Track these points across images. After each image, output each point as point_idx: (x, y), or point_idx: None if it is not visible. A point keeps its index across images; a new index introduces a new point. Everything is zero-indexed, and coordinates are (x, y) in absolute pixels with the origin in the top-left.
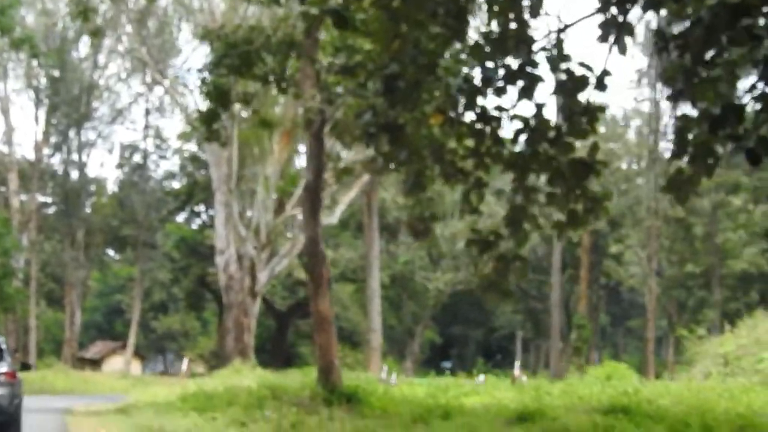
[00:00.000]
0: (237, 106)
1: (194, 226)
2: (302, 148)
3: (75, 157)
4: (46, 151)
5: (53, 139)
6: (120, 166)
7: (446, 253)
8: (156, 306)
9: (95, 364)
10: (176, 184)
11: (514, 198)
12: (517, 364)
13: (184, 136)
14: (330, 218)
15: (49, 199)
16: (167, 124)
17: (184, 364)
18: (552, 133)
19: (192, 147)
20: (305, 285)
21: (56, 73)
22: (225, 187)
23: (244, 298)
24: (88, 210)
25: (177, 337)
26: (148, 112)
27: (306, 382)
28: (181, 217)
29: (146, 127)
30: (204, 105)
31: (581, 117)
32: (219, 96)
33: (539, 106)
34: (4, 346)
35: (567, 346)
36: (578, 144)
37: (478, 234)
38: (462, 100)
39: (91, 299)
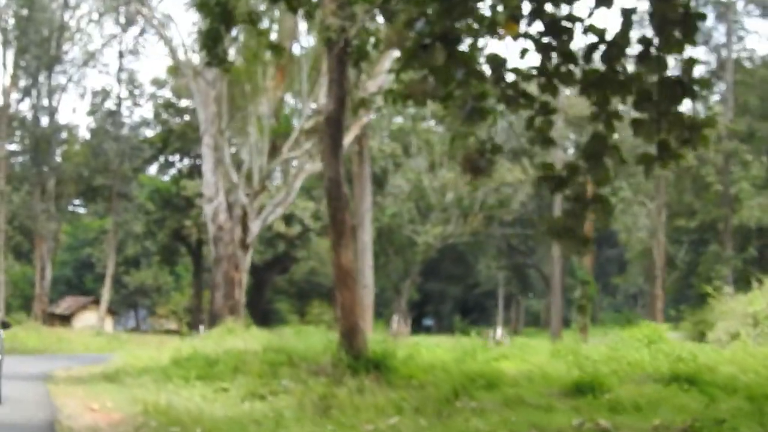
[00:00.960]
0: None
1: (167, 177)
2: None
3: (45, 102)
4: (14, 95)
5: (22, 83)
6: (92, 112)
7: (435, 205)
8: (129, 260)
9: (65, 320)
10: (150, 133)
11: (594, 125)
12: (500, 330)
13: (158, 82)
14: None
15: (17, 147)
16: (142, 68)
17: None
18: (636, 48)
19: (167, 93)
20: (285, 239)
21: (24, 13)
22: (213, 129)
23: (235, 250)
24: (58, 159)
25: (149, 293)
26: (121, 55)
27: (318, 345)
28: (154, 168)
29: (120, 70)
30: (201, 25)
31: (675, 27)
32: (222, 13)
33: (627, 13)
34: None
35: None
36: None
37: (550, 170)
38: (528, 7)
39: (61, 253)
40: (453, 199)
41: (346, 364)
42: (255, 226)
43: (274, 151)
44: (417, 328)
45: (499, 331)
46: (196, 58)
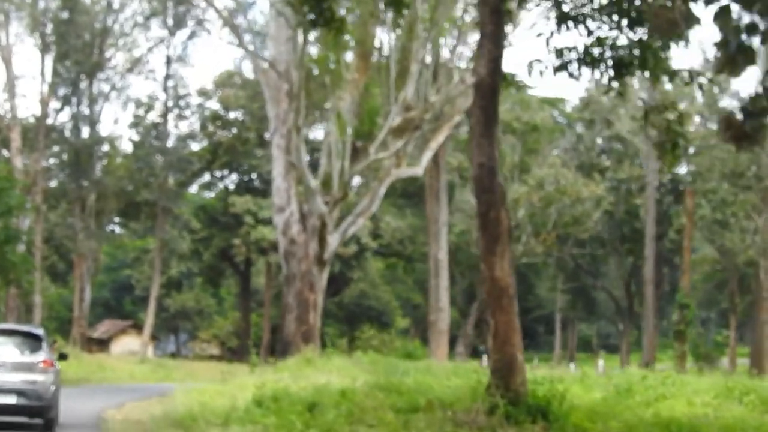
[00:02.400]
0: None
1: (212, 193)
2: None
3: (86, 112)
4: (53, 105)
5: (61, 92)
6: (134, 124)
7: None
8: (171, 282)
9: (103, 344)
10: (195, 147)
11: None
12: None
13: (205, 93)
14: (415, 168)
15: (54, 161)
16: (189, 78)
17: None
18: None
19: (213, 105)
20: (340, 258)
21: (65, 16)
22: (285, 128)
23: (310, 267)
24: (99, 172)
25: (191, 316)
26: (169, 61)
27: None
28: (196, 185)
29: (167, 77)
30: None
31: None
32: None
33: None
34: (41, 333)
35: (626, 329)
36: None
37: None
38: None
39: (98, 275)
40: (524, 215)
41: (503, 412)
42: (333, 240)
43: (355, 152)
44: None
45: (601, 362)
46: (266, 49)
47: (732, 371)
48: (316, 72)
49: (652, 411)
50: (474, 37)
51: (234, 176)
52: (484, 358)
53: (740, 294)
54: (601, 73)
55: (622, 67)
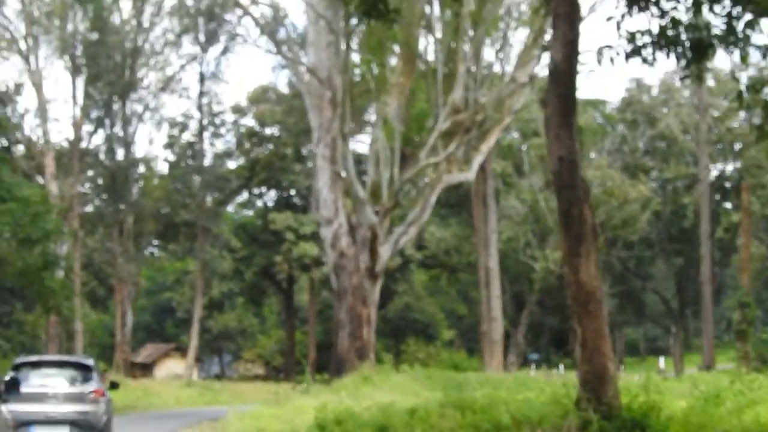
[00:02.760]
0: None
1: (250, 212)
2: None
3: (120, 134)
4: (86, 128)
5: (94, 115)
6: (169, 145)
7: (553, 227)
8: (213, 302)
9: (146, 368)
10: (232, 165)
11: None
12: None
13: (239, 110)
14: (466, 173)
15: (89, 186)
16: (223, 95)
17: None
18: None
19: (249, 122)
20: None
21: (95, 37)
22: (329, 137)
23: (362, 280)
24: (135, 195)
25: (234, 337)
26: (202, 78)
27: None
28: (233, 204)
29: (201, 94)
30: None
31: None
32: None
33: None
34: (92, 363)
35: (679, 330)
36: None
37: None
38: None
39: (139, 298)
40: None
41: (597, 428)
42: (385, 251)
43: (404, 159)
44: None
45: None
46: (306, 55)
47: None
48: (358, 78)
49: (748, 419)
50: (521, 36)
51: (272, 193)
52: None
53: None
54: (678, 57)
55: (701, 49)
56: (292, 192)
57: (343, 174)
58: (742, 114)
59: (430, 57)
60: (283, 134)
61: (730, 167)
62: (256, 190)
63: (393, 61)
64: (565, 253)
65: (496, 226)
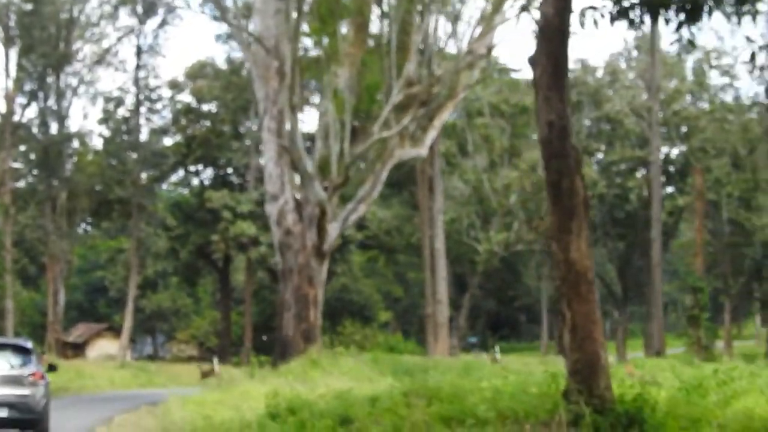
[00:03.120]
0: None
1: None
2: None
3: (53, 107)
4: (19, 101)
5: (27, 87)
6: (104, 120)
7: (497, 209)
8: (147, 282)
9: (78, 348)
10: (168, 142)
11: None
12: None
13: (176, 85)
14: (418, 149)
15: (22, 161)
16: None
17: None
18: None
19: (186, 98)
20: None
21: (28, 7)
22: (276, 109)
23: (308, 259)
24: (69, 171)
25: (168, 317)
26: (139, 51)
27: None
28: (170, 182)
29: (138, 67)
30: None
31: None
32: None
33: None
34: (30, 346)
35: (622, 316)
36: None
37: None
38: None
39: (71, 277)
40: (516, 201)
41: (590, 422)
42: (333, 229)
43: (354, 133)
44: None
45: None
46: (252, 23)
47: (730, 356)
48: (306, 48)
49: (737, 410)
50: (480, 4)
51: (209, 171)
52: (475, 350)
53: (732, 275)
54: (667, 20)
55: (696, 10)
56: (229, 170)
57: (290, 147)
58: (688, 97)
59: (383, 26)
60: (220, 111)
61: (675, 151)
62: (192, 168)
63: (343, 30)
64: (554, 228)
65: (442, 206)
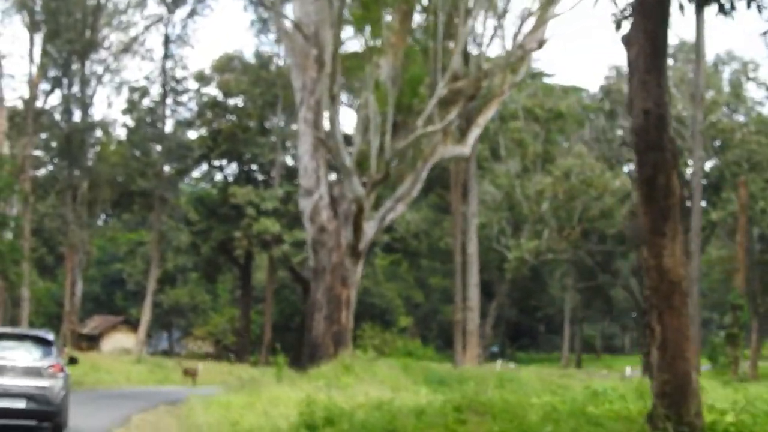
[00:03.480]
0: None
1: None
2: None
3: (77, 94)
4: (42, 87)
5: (51, 74)
6: (128, 110)
7: (528, 216)
8: (166, 276)
9: (93, 341)
10: (192, 135)
11: None
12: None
13: (203, 78)
14: (462, 147)
15: (43, 149)
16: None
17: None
18: None
19: (212, 91)
20: None
21: None
22: (313, 100)
23: (342, 259)
24: (91, 160)
25: (185, 313)
26: (167, 40)
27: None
28: (193, 176)
29: (165, 56)
30: None
31: None
32: None
33: None
34: (51, 338)
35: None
36: None
37: None
38: None
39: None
40: (548, 208)
41: None
42: (369, 228)
43: (395, 128)
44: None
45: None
46: (290, 9)
47: (756, 377)
48: (344, 37)
49: None
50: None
51: (233, 166)
52: (499, 361)
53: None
54: (760, 8)
55: None
56: (254, 166)
57: (328, 139)
58: (724, 109)
59: (428, 16)
60: (247, 105)
61: (709, 164)
62: (216, 163)
63: (387, 18)
64: (645, 231)
65: (477, 209)
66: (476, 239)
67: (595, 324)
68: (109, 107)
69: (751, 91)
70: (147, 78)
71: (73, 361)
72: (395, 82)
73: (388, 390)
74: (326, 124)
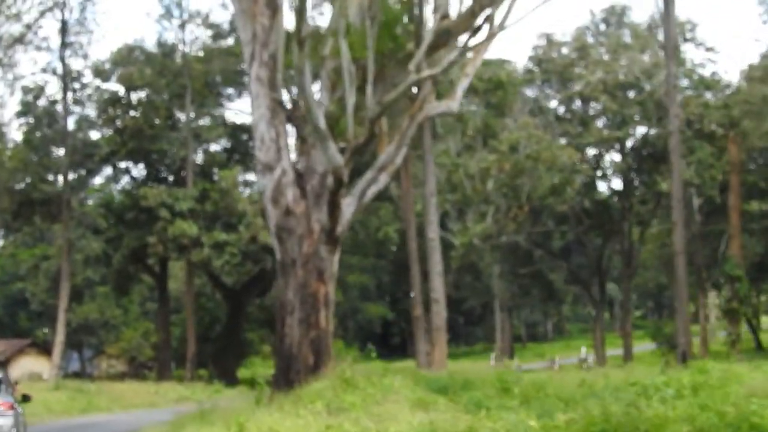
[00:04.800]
0: None
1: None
2: None
3: None
4: None
5: None
6: (23, 113)
7: (473, 197)
8: (74, 291)
9: None
10: (95, 135)
11: None
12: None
13: (101, 72)
14: (450, 102)
15: None
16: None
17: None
18: None
19: (112, 86)
20: (272, 252)
21: None
22: (266, 54)
23: (316, 247)
24: None
25: (96, 330)
26: (65, 27)
27: None
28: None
29: (63, 44)
30: None
31: None
32: None
33: None
34: (1, 375)
35: (600, 314)
36: None
37: None
38: None
39: None
40: (493, 187)
41: None
42: (348, 207)
43: (379, 75)
44: (387, 352)
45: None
46: None
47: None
48: None
49: None
50: None
51: (141, 167)
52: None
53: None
54: None
55: None
56: (164, 166)
57: (300, 96)
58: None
59: None
60: (153, 98)
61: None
62: (122, 165)
63: None
64: None
65: (435, 188)
66: (437, 221)
67: (517, 312)
68: (1, 107)
69: (689, 51)
70: (44, 70)
71: (26, 398)
72: (374, 19)
73: (415, 408)
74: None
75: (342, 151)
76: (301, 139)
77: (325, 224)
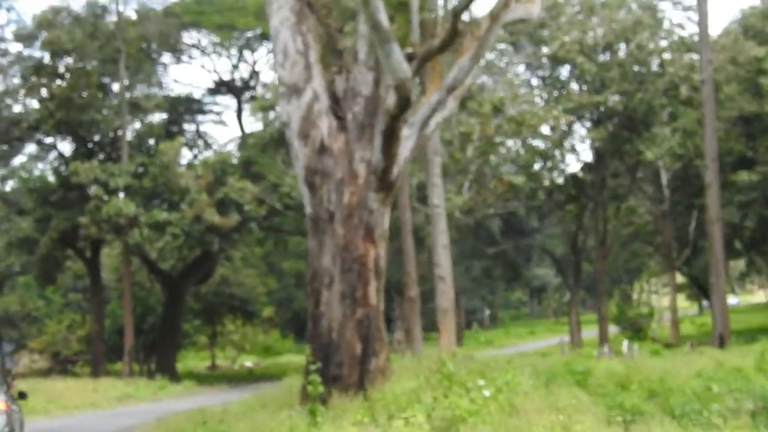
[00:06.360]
0: None
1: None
2: None
3: None
4: None
5: None
6: None
7: (451, 166)
8: None
9: None
10: (17, 108)
11: None
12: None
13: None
14: (530, 6)
15: None
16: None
17: None
18: None
19: (35, 52)
20: (218, 232)
21: None
22: None
23: (363, 195)
24: None
25: (17, 323)
26: None
27: None
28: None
29: None
30: None
31: None
32: None
33: None
34: None
35: (574, 295)
36: None
37: None
38: None
39: None
40: (474, 153)
41: None
42: (407, 140)
43: None
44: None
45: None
46: None
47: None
48: None
49: None
50: None
51: (69, 141)
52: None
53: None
54: None
55: None
56: (95, 141)
57: None
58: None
59: None
60: (83, 64)
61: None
62: (48, 140)
63: None
64: None
65: (439, 145)
66: (441, 185)
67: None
68: None
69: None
70: None
71: (22, 396)
72: None
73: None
74: None
75: (409, 58)
76: (336, 53)
77: (376, 164)
